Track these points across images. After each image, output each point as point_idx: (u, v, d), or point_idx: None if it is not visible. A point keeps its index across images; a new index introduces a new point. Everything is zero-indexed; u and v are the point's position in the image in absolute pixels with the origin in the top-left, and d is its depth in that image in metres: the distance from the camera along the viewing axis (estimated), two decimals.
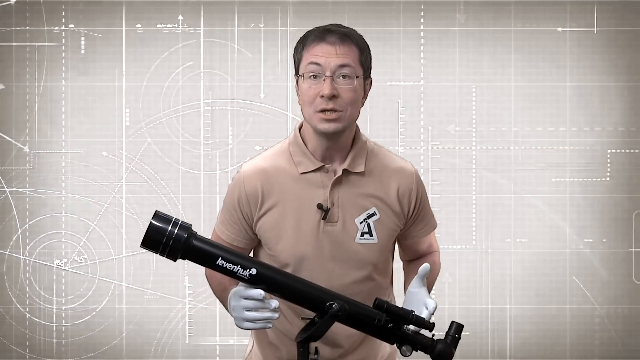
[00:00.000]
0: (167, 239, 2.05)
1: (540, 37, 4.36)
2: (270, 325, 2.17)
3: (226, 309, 2.30)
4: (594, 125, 4.37)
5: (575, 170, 4.37)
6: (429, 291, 2.43)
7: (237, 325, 2.19)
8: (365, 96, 2.39)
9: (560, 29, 4.35)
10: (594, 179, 4.37)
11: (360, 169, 2.39)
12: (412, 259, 2.61)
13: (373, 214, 2.40)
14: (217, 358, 4.37)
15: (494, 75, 4.36)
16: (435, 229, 2.58)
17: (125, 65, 4.34)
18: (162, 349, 4.37)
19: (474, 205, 4.36)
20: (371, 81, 2.41)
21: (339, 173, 2.38)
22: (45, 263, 4.36)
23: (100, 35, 4.34)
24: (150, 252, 2.07)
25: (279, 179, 2.39)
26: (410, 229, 2.50)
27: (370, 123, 4.33)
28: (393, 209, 2.42)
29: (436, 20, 4.35)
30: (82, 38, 4.34)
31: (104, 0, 4.34)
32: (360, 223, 2.39)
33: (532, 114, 4.37)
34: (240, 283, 2.16)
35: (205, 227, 4.31)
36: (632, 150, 4.37)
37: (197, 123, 4.36)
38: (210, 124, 4.37)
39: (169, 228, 2.05)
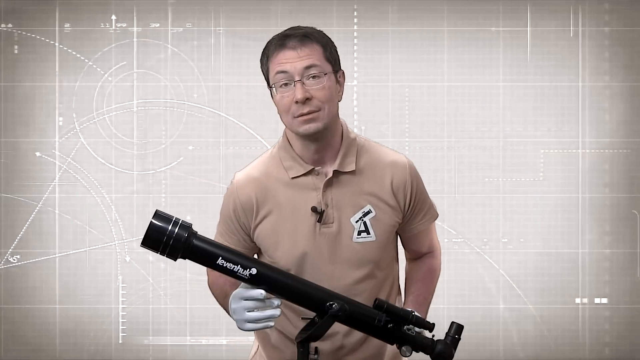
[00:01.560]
0: (167, 239, 2.11)
1: (474, 36, 4.55)
2: (272, 324, 2.22)
3: (229, 314, 2.35)
4: (527, 125, 4.57)
5: (508, 170, 4.56)
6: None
7: (239, 328, 2.26)
8: (340, 90, 2.45)
9: (493, 29, 4.56)
10: (527, 179, 4.57)
11: (351, 167, 2.46)
12: (415, 259, 2.68)
13: (369, 212, 2.46)
14: (150, 358, 4.57)
15: (427, 75, 4.55)
16: (436, 219, 2.64)
17: (59, 65, 4.54)
18: (95, 349, 4.57)
19: None
20: (343, 73, 2.47)
21: (330, 174, 2.45)
22: None
23: (33, 35, 4.53)
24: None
25: (271, 186, 2.47)
26: (409, 221, 2.56)
27: None
28: (389, 204, 2.48)
29: (369, 20, 4.54)
30: (16, 38, 4.53)
31: (37, 0, 4.53)
32: (356, 222, 2.45)
33: (465, 113, 4.57)
34: (240, 285, 2.24)
35: (140, 226, 4.54)
36: (565, 150, 4.57)
37: (130, 123, 4.56)
38: (144, 124, 4.57)
39: (170, 227, 2.12)
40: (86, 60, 4.55)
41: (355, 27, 4.55)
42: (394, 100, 4.56)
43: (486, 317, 4.56)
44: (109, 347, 4.58)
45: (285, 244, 2.46)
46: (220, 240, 2.52)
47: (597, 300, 4.57)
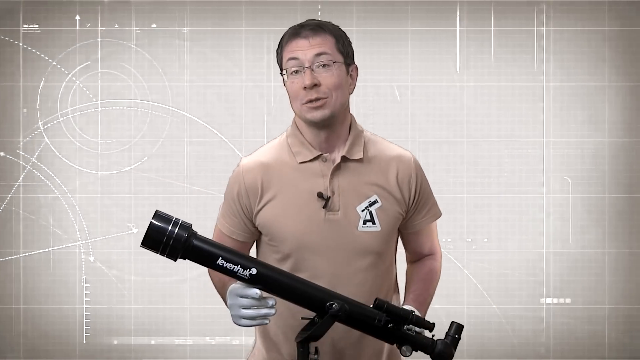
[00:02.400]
0: (167, 239, 2.16)
1: (437, 36, 4.63)
2: (267, 321, 2.29)
3: (225, 304, 2.40)
4: (491, 125, 4.65)
5: (472, 170, 4.64)
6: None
7: (234, 323, 2.32)
8: (352, 83, 2.55)
9: (457, 29, 4.64)
10: (491, 179, 4.65)
11: (359, 155, 2.52)
12: (415, 261, 2.74)
13: (375, 202, 2.51)
14: (114, 358, 4.64)
15: (392, 75, 4.63)
16: (438, 218, 2.68)
17: (23, 65, 4.61)
18: (59, 349, 4.63)
19: None
20: (356, 67, 2.58)
21: (338, 161, 2.51)
22: None
23: None
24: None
25: (278, 171, 2.52)
26: (412, 217, 2.61)
27: (267, 123, 4.65)
28: (394, 196, 2.54)
29: (333, 20, 4.58)
30: None
31: (0, 0, 4.61)
32: (362, 211, 2.50)
33: (429, 113, 4.65)
34: (238, 281, 2.28)
35: (104, 226, 4.63)
36: (529, 150, 4.65)
37: (94, 123, 4.63)
38: (108, 124, 4.64)
39: (169, 228, 2.16)
40: (50, 60, 4.63)
41: None
42: (357, 100, 4.62)
43: (450, 317, 4.55)
44: (73, 347, 4.64)
45: (289, 228, 2.50)
46: (222, 222, 2.60)
47: (561, 300, 4.65)
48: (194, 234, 2.20)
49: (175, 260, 2.20)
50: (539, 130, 4.65)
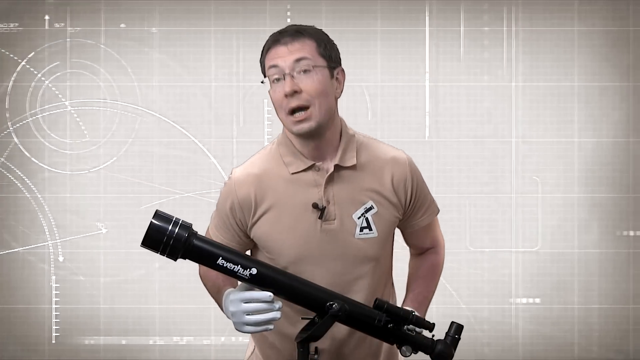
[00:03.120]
0: (167, 239, 2.16)
1: (406, 36, 4.66)
2: (272, 327, 2.27)
3: (221, 309, 2.40)
4: (460, 125, 4.68)
5: (441, 170, 4.68)
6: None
7: (237, 329, 2.30)
8: (339, 87, 2.48)
9: (427, 28, 4.67)
10: (460, 178, 4.68)
11: (352, 162, 2.48)
12: (418, 254, 2.76)
13: (371, 208, 2.49)
14: (84, 358, 4.67)
15: (360, 75, 4.64)
16: (437, 214, 2.68)
17: None
18: (28, 348, 4.67)
19: None
20: (342, 70, 2.50)
21: (331, 170, 2.47)
22: None
23: None
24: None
25: (271, 183, 2.48)
26: (410, 217, 2.60)
27: (238, 123, 4.69)
28: (390, 201, 2.52)
29: (302, 20, 4.60)
30: None
31: None
32: (358, 218, 2.48)
33: (397, 113, 4.68)
34: (238, 287, 2.31)
35: (73, 226, 4.67)
36: (497, 148, 4.68)
37: (63, 123, 4.67)
38: (77, 124, 4.67)
39: (170, 227, 2.16)
40: (19, 60, 4.65)
41: None
42: None
43: None
44: (42, 347, 4.68)
45: (285, 241, 2.49)
46: (215, 233, 2.57)
47: (530, 300, 4.68)
48: (194, 234, 2.21)
49: (175, 260, 2.20)
50: (508, 130, 4.68)
